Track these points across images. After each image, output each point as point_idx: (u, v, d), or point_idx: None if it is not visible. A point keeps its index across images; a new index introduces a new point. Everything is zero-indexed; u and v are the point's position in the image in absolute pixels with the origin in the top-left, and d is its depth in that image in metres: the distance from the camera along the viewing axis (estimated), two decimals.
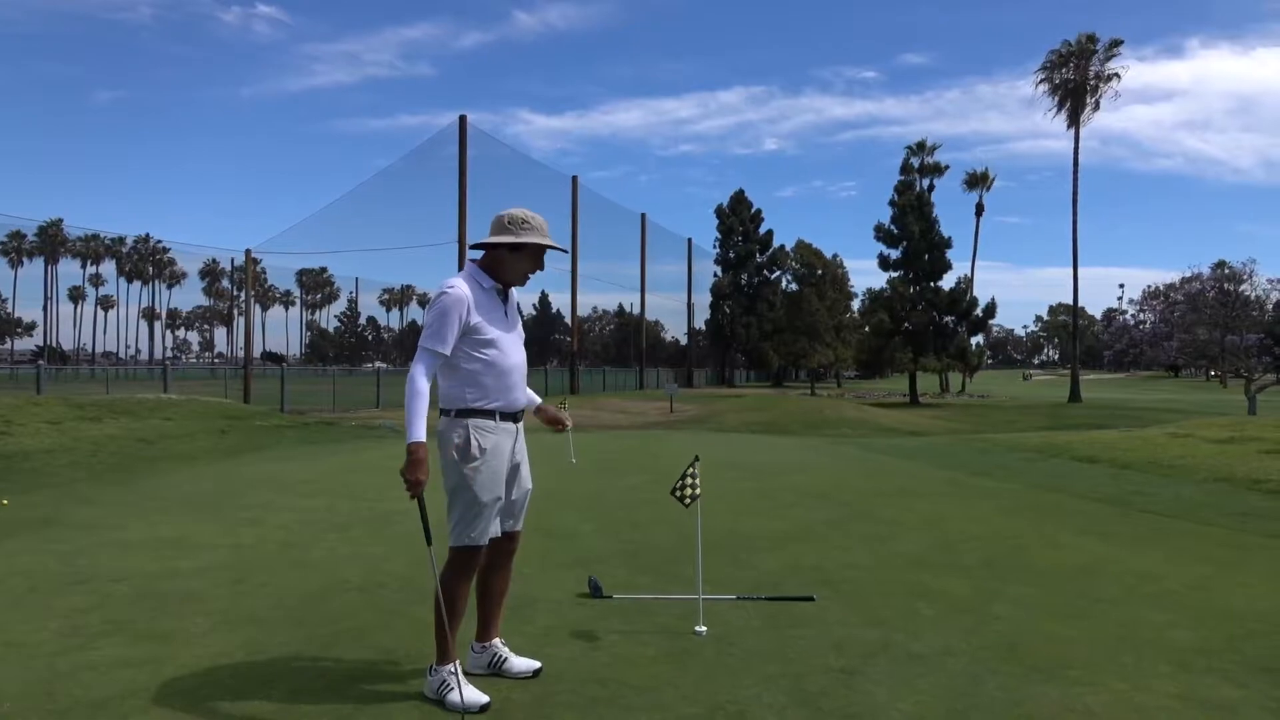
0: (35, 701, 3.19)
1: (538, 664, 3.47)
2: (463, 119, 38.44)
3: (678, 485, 4.09)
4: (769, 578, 5.09)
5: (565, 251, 3.43)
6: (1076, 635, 4.06)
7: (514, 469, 3.38)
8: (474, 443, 3.23)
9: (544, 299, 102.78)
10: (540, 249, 3.34)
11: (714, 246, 72.09)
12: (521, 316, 3.54)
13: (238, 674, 3.50)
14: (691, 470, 4.11)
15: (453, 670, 3.21)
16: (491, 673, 3.43)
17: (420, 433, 3.08)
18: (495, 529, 3.32)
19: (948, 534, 6.37)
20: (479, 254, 3.39)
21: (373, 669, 3.58)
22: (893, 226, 49.54)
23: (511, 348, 3.32)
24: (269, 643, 3.88)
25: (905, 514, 7.18)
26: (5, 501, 7.42)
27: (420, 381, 3.13)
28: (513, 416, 3.34)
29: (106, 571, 5.09)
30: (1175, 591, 4.80)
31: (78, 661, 3.60)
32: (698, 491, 4.08)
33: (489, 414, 3.26)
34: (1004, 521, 6.84)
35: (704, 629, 4.04)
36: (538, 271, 3.40)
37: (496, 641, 3.50)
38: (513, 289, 3.42)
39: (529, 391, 3.50)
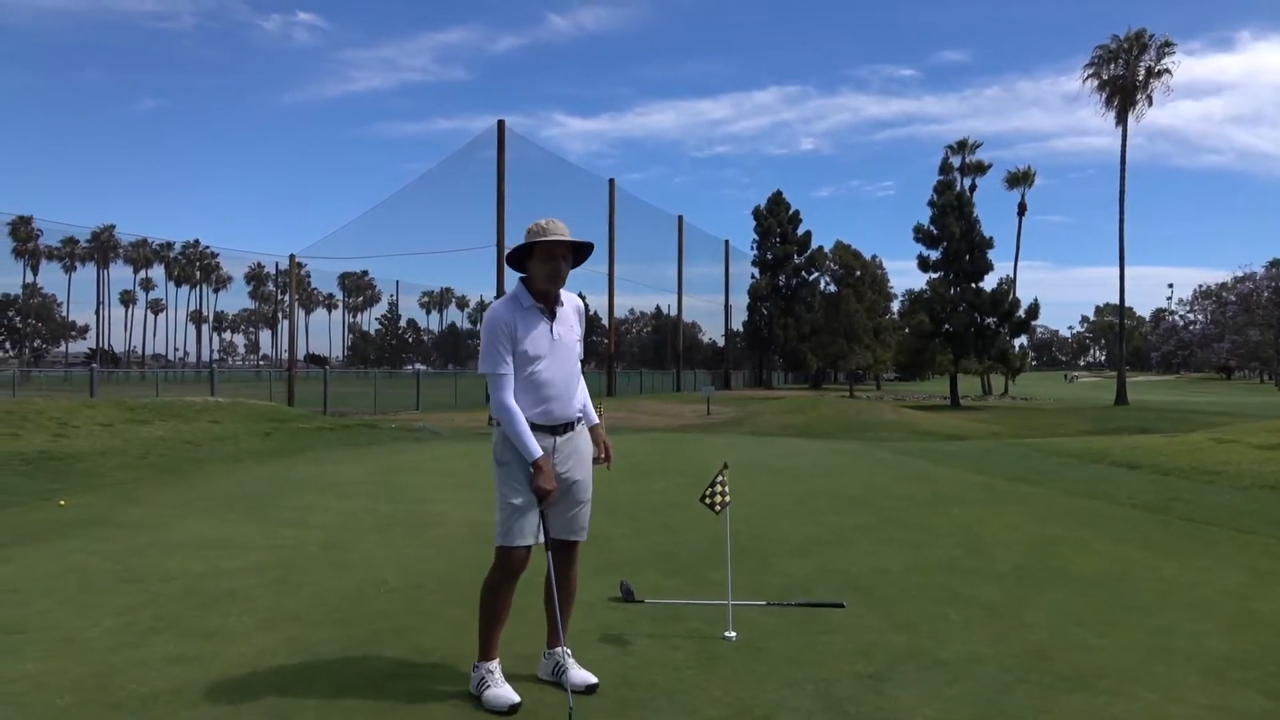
0: (91, 695, 3.35)
1: (594, 679, 3.47)
2: (501, 124, 38.85)
3: (707, 493, 4.15)
4: (799, 583, 5.12)
5: (580, 241, 3.50)
6: (1108, 644, 4.04)
7: (556, 478, 3.40)
8: (507, 449, 3.34)
9: (581, 296, 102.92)
10: (551, 246, 3.35)
11: (751, 248, 71.94)
12: (582, 323, 3.59)
13: (280, 671, 3.63)
14: (721, 478, 4.17)
15: (491, 669, 3.32)
16: (553, 680, 3.49)
17: (533, 449, 3.27)
18: (529, 536, 3.37)
19: (981, 540, 6.34)
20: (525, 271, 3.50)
21: (411, 668, 3.70)
22: (932, 227, 49.06)
23: (551, 363, 3.39)
24: (310, 641, 4.01)
25: (938, 519, 7.16)
26: (63, 503, 7.70)
27: (509, 402, 3.31)
28: (550, 429, 3.41)
29: (156, 571, 5.28)
30: (1211, 600, 4.75)
31: (130, 658, 3.76)
32: (728, 499, 4.14)
33: None
34: (1039, 528, 6.79)
35: (733, 634, 4.09)
36: (561, 271, 3.41)
37: (560, 649, 3.52)
38: (568, 303, 3.51)
39: (589, 410, 3.64)
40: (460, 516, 7.12)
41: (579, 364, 3.57)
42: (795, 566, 5.54)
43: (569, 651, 3.56)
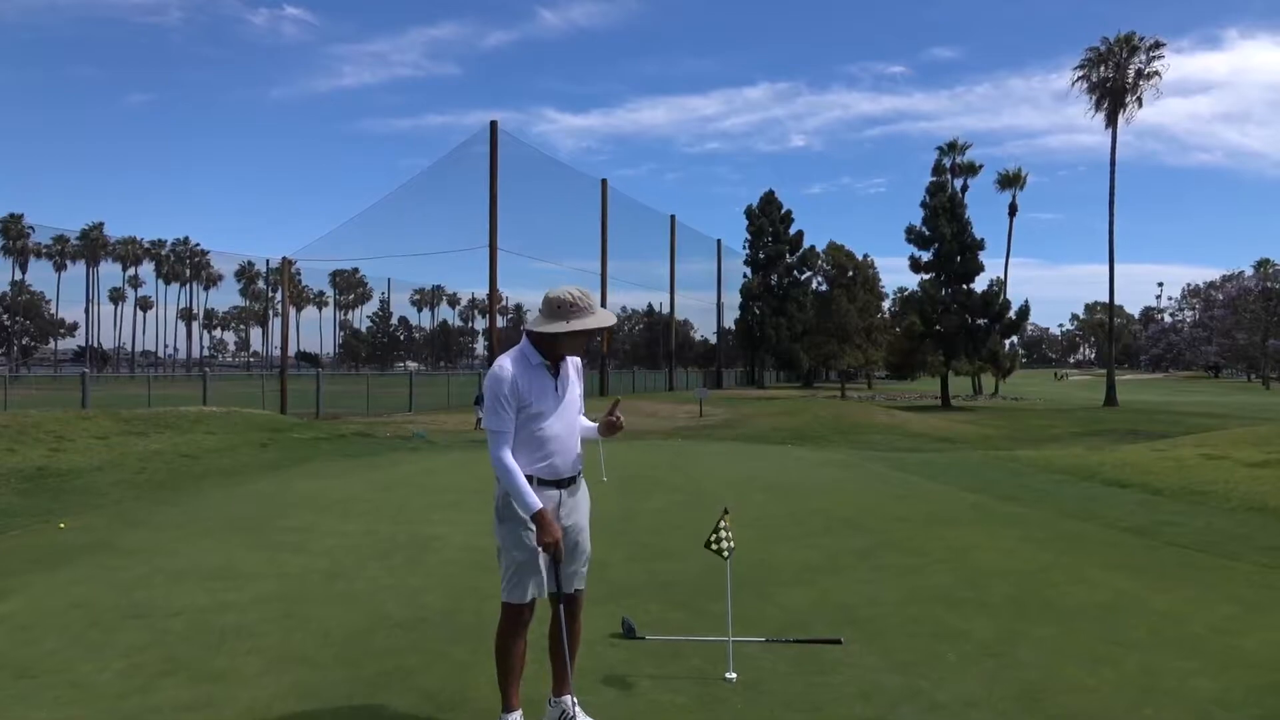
0: None
1: None
2: (494, 124, 38.84)
3: (712, 539, 4.25)
4: (797, 616, 5.21)
5: (613, 327, 3.60)
6: (1098, 684, 4.14)
7: (562, 532, 3.47)
8: (507, 503, 3.41)
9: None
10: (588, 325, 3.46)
11: (744, 247, 72.14)
12: (581, 381, 3.66)
13: (291, 719, 3.70)
14: (723, 524, 4.27)
15: None
16: None
17: (533, 502, 3.32)
18: (537, 589, 3.46)
19: (975, 567, 6.45)
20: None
21: (419, 715, 3.76)
22: (924, 228, 49.27)
23: (556, 419, 3.47)
24: (319, 684, 4.08)
25: (932, 543, 7.27)
26: (63, 525, 7.74)
27: (507, 460, 3.36)
28: (555, 483, 3.49)
29: (161, 604, 5.34)
30: (1199, 635, 4.86)
31: (141, 704, 3.82)
32: (732, 544, 4.24)
33: (527, 479, 3.42)
34: (1031, 553, 6.90)
35: (734, 675, 4.17)
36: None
37: (567, 698, 3.60)
38: (570, 360, 3.59)
39: (586, 424, 3.66)
40: (459, 540, 7.17)
41: (580, 419, 3.65)
42: (793, 598, 5.63)
43: (576, 701, 3.64)
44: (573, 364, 3.63)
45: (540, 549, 3.36)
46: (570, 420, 3.56)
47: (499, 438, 3.37)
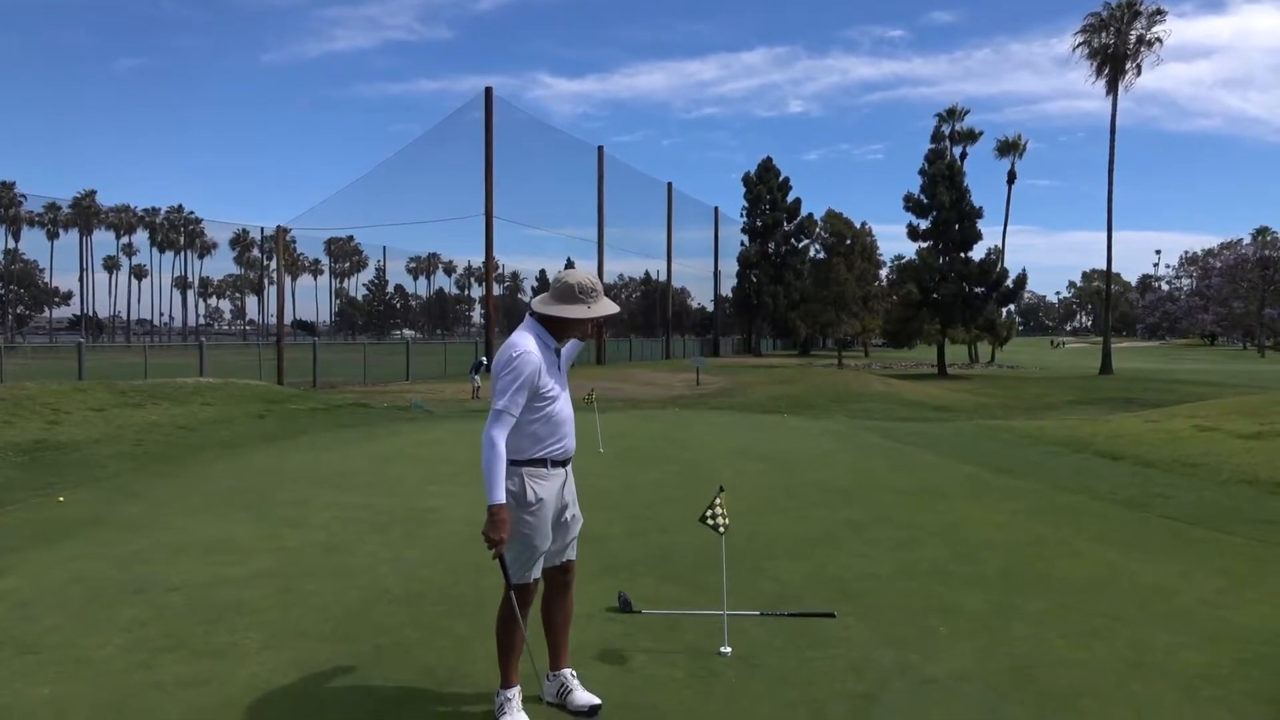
0: None
1: (597, 700, 3.59)
2: (488, 91, 38.46)
3: (707, 515, 4.29)
4: (791, 589, 5.27)
5: (620, 313, 3.67)
6: (1089, 657, 4.20)
7: (563, 508, 3.58)
8: (530, 490, 3.41)
9: (569, 266, 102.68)
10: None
11: (741, 215, 71.86)
12: (569, 359, 3.71)
13: (291, 695, 3.75)
14: (718, 500, 4.30)
15: (509, 695, 3.47)
16: (557, 703, 3.61)
17: (500, 495, 3.28)
18: (540, 569, 3.55)
19: (968, 540, 6.51)
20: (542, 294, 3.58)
21: (417, 690, 3.81)
22: (922, 196, 49.01)
23: (564, 401, 3.52)
24: (318, 659, 4.12)
25: (926, 516, 7.32)
26: (61, 499, 7.77)
27: (500, 445, 3.31)
28: (564, 462, 3.54)
29: (160, 579, 5.37)
30: (1188, 609, 4.92)
31: (143, 680, 3.86)
32: (727, 521, 4.28)
33: (542, 462, 3.45)
34: (1024, 526, 6.96)
35: (729, 649, 4.22)
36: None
37: (565, 672, 3.66)
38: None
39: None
40: (457, 514, 7.23)
41: None
42: (788, 570, 5.69)
43: (573, 673, 3.70)
44: (571, 343, 3.68)
45: (489, 546, 3.30)
46: (570, 400, 3.62)
47: (503, 419, 3.31)
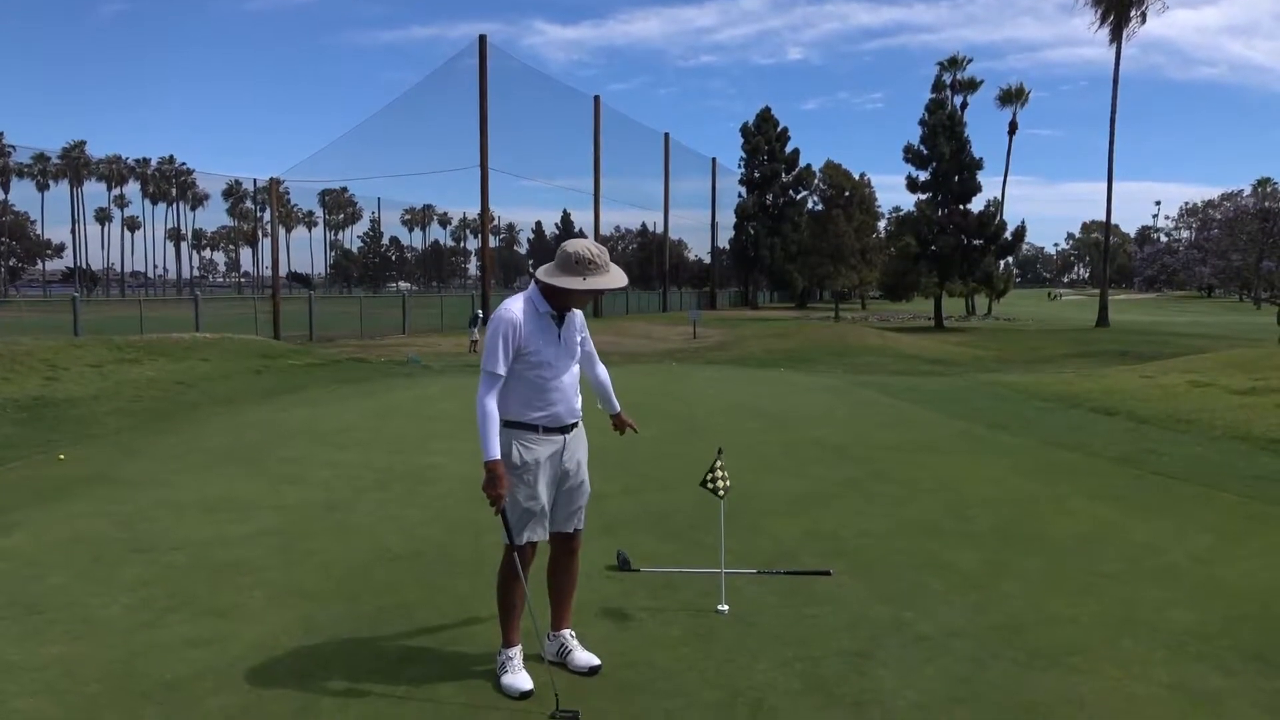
0: (118, 681, 3.51)
1: (597, 660, 3.66)
2: (482, 39, 37.84)
3: (708, 478, 4.33)
4: (787, 548, 5.33)
5: (625, 287, 3.68)
6: (1079, 614, 4.28)
7: (564, 475, 3.57)
8: (516, 453, 3.44)
9: (565, 218, 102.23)
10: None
11: (739, 166, 71.22)
12: (582, 331, 3.70)
13: (296, 654, 3.81)
14: (719, 463, 4.34)
15: (510, 655, 3.53)
16: (558, 662, 3.67)
17: (494, 451, 3.33)
18: (539, 533, 3.55)
19: (962, 496, 6.57)
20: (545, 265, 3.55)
21: (421, 648, 3.88)
22: (922, 147, 48.56)
23: (560, 370, 3.49)
24: (321, 618, 4.18)
25: (920, 473, 7.39)
26: (62, 456, 7.81)
27: (488, 403, 3.35)
28: (558, 429, 3.53)
29: (163, 538, 5.42)
30: (1178, 566, 5.00)
31: (149, 640, 3.92)
32: (728, 484, 4.32)
33: (531, 427, 3.46)
34: (1017, 483, 7.03)
35: (726, 607, 4.29)
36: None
37: (565, 632, 3.74)
38: (576, 313, 3.61)
39: (612, 399, 3.92)
40: (456, 471, 7.28)
41: (578, 366, 3.67)
42: (784, 528, 5.75)
43: (574, 634, 3.76)
44: (578, 315, 3.64)
45: (491, 503, 3.36)
46: (572, 369, 3.60)
47: (490, 380, 3.38)
